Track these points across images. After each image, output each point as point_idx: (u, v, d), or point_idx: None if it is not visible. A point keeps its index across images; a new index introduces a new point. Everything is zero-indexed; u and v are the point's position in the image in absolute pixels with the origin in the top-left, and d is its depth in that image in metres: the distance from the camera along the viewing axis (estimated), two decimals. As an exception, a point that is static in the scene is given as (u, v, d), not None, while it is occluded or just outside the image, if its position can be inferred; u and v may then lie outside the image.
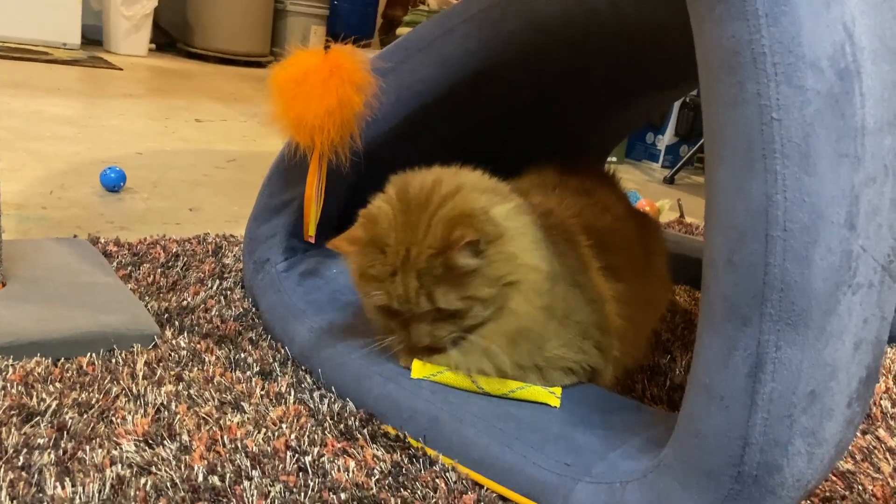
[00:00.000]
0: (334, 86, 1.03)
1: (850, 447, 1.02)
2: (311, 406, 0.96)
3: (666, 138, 3.36)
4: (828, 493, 0.91)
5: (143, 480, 0.77)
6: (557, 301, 0.94)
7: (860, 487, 0.94)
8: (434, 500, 0.81)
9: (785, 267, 0.65)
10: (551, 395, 0.91)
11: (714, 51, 0.67)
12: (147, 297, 1.19)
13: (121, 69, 3.74)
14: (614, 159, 3.27)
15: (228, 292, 1.26)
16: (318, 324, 1.08)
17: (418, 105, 1.15)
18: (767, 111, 0.64)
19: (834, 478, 0.95)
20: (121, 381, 0.95)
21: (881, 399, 1.18)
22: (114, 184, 1.81)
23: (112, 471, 0.77)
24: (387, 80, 1.11)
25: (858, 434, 1.07)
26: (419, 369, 0.95)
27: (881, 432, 1.08)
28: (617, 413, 0.93)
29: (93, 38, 4.34)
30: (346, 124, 1.05)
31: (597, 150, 1.70)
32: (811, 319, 0.66)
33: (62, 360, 0.98)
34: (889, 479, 0.96)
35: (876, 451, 1.03)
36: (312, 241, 1.13)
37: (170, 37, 4.76)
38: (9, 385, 0.90)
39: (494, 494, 0.83)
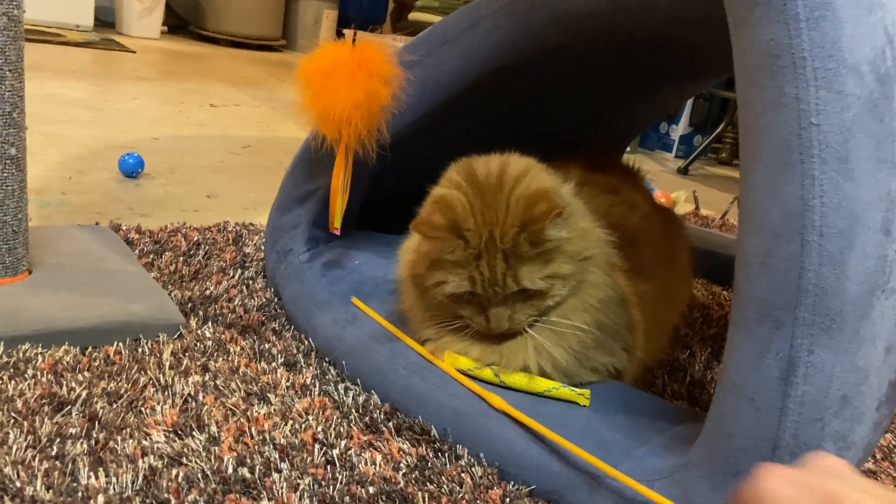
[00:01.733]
0: (362, 78, 1.03)
1: (870, 446, 1.02)
2: (336, 398, 0.97)
3: (680, 128, 3.35)
4: (849, 492, 0.91)
5: (174, 471, 0.77)
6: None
7: (882, 487, 0.94)
8: (461, 494, 0.82)
9: (820, 271, 0.65)
10: (580, 396, 0.92)
11: (752, 53, 0.67)
12: (170, 286, 1.20)
13: (133, 52, 3.74)
14: (628, 149, 3.26)
15: (250, 282, 1.27)
16: (341, 315, 1.08)
17: (443, 97, 1.15)
18: (806, 116, 0.64)
19: (855, 477, 0.95)
20: (148, 371, 0.95)
21: (901, 397, 1.18)
22: (132, 169, 1.81)
23: (144, 462, 0.78)
24: (413, 72, 1.11)
25: (879, 433, 1.07)
26: (449, 359, 0.96)
27: (901, 431, 1.08)
28: (641, 410, 0.93)
29: (105, 20, 4.34)
30: (373, 117, 1.05)
31: (618, 140, 1.69)
32: (845, 324, 0.66)
33: (90, 348, 0.98)
34: (910, 479, 0.97)
35: (896, 451, 1.03)
36: (338, 232, 1.14)
37: (182, 20, 4.76)
38: (39, 374, 0.91)
39: (521, 490, 0.84)
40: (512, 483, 0.85)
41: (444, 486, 0.83)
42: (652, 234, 1.15)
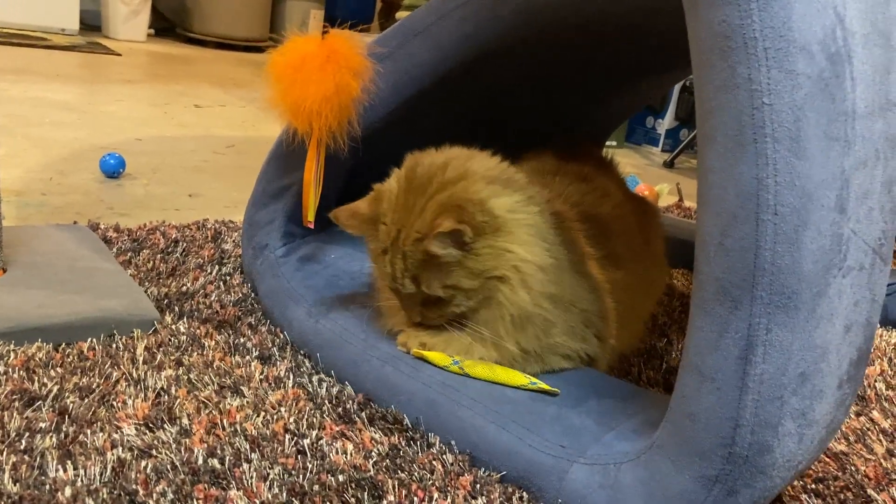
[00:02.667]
0: (332, 71, 1.03)
1: (844, 429, 1.03)
2: (310, 390, 0.97)
3: (666, 122, 3.36)
4: (821, 474, 0.92)
5: (143, 463, 0.78)
6: (564, 289, 0.94)
7: (853, 468, 0.95)
8: (431, 481, 0.82)
9: (776, 250, 0.66)
10: (552, 389, 0.92)
11: (705, 35, 0.68)
12: (147, 283, 1.20)
13: (119, 55, 3.74)
14: (614, 143, 3.27)
15: (228, 278, 1.27)
16: (316, 308, 1.09)
17: (415, 90, 1.15)
18: (758, 95, 0.64)
19: (827, 459, 0.96)
20: (121, 366, 0.96)
21: (875, 381, 1.18)
22: (113, 170, 1.81)
23: (113, 454, 0.78)
24: (384, 65, 1.11)
25: (852, 416, 1.08)
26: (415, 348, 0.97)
27: (875, 414, 1.09)
28: (612, 396, 0.94)
29: (91, 23, 4.34)
30: (343, 110, 1.05)
31: (596, 132, 1.70)
32: (801, 302, 0.66)
33: (63, 345, 0.99)
34: (882, 460, 0.97)
35: (869, 433, 1.04)
36: (312, 226, 1.14)
37: (169, 22, 4.75)
38: (10, 370, 0.91)
39: (492, 475, 0.84)
40: (483, 469, 0.85)
41: (416, 474, 0.83)
42: (625, 223, 1.15)
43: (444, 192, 0.92)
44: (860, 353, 0.73)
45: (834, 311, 0.68)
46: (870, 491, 0.90)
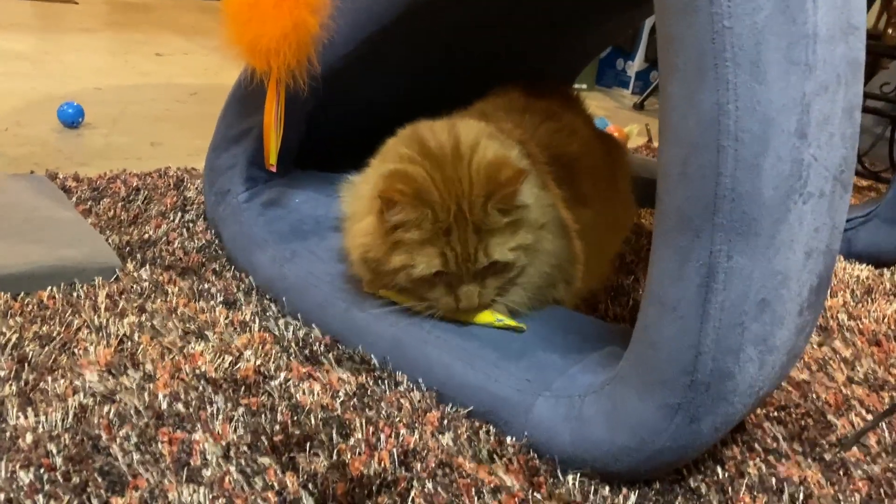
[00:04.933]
0: (288, 8, 1.00)
1: (806, 359, 1.05)
2: (276, 333, 0.96)
3: (636, 64, 3.33)
4: (783, 402, 0.94)
5: (106, 408, 0.77)
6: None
7: (814, 396, 0.96)
8: (398, 418, 0.82)
9: (736, 176, 0.65)
10: (518, 326, 0.92)
11: (666, -42, 0.66)
12: (108, 232, 1.18)
13: (76, 3, 3.62)
14: (584, 86, 3.24)
15: (191, 224, 1.25)
16: (280, 253, 1.07)
17: (376, 28, 1.12)
18: (719, 19, 0.63)
19: (790, 388, 0.97)
20: (82, 314, 0.94)
21: (838, 312, 1.20)
22: (72, 119, 1.77)
23: (74, 400, 0.77)
24: (342, 2, 1.08)
25: (815, 346, 1.09)
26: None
27: (837, 344, 1.10)
28: (578, 331, 0.94)
29: (46, -29, 4.18)
30: (302, 47, 1.02)
31: (564, 72, 1.68)
32: (761, 228, 0.66)
33: (21, 294, 0.97)
34: (842, 388, 0.99)
35: (831, 362, 1.05)
36: (274, 169, 1.12)
37: (126, -32, 4.59)
38: (-33, 320, 0.89)
39: (459, 411, 0.84)
40: (450, 406, 0.85)
41: (383, 412, 0.83)
42: (592, 161, 1.14)
43: (479, 154, 0.89)
44: (820, 280, 0.74)
45: (794, 238, 0.68)
46: (829, 416, 0.92)
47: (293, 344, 0.94)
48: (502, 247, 0.87)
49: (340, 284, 1.00)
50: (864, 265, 1.43)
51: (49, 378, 0.81)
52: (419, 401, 0.86)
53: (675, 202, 0.69)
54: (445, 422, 0.83)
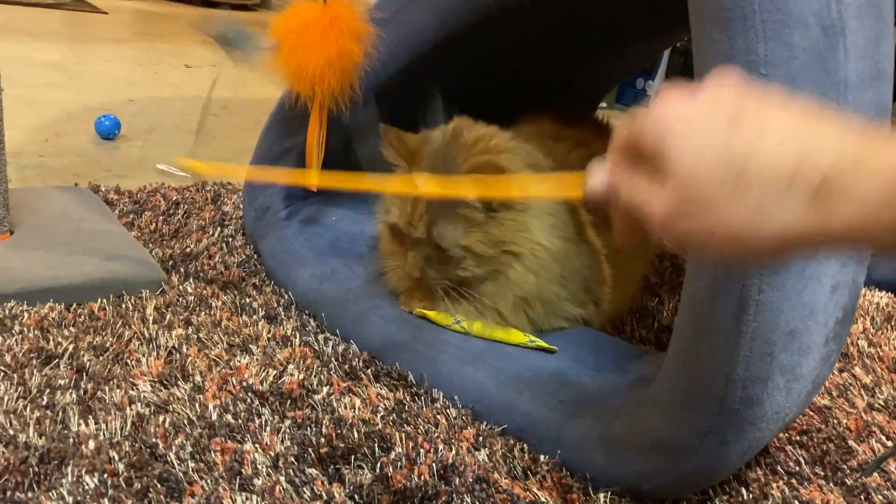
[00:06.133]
0: (334, 36, 1.05)
1: (827, 384, 1.08)
2: (317, 348, 1.00)
3: (656, 83, 3.37)
4: (805, 427, 0.97)
5: (161, 418, 0.81)
6: (570, 264, 0.99)
7: (835, 421, 0.99)
8: (436, 434, 0.86)
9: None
10: (550, 346, 0.96)
11: (705, 7, 0.70)
12: (151, 245, 1.22)
13: (105, 13, 3.69)
14: (604, 105, 3.28)
15: (230, 239, 1.29)
16: (319, 269, 1.11)
17: (416, 55, 1.16)
18: (756, 66, 0.67)
19: (811, 412, 1.01)
20: (132, 326, 0.98)
21: (858, 339, 1.23)
22: (109, 131, 1.82)
23: (132, 409, 0.81)
24: (385, 29, 1.13)
25: (836, 372, 1.12)
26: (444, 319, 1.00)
27: (857, 370, 1.13)
28: (608, 353, 0.98)
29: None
30: (345, 74, 1.07)
31: (590, 95, 1.72)
32: (791, 264, 0.70)
33: (74, 305, 1.01)
34: (862, 414, 1.02)
35: (851, 388, 1.08)
36: (315, 189, 1.16)
37: (154, -22, 4.67)
38: (25, 329, 0.93)
39: (493, 429, 0.88)
40: (484, 423, 0.89)
41: (421, 427, 0.87)
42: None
43: (489, 154, 0.95)
44: (845, 312, 0.77)
45: (822, 272, 0.72)
46: (850, 442, 0.95)
47: (333, 359, 0.98)
48: (444, 233, 0.93)
49: (378, 302, 1.04)
50: (884, 292, 1.46)
51: (106, 387, 0.85)
52: (455, 418, 0.89)
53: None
54: (481, 439, 0.86)
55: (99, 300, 1.03)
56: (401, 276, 1.03)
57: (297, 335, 1.03)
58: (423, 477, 0.78)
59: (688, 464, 0.76)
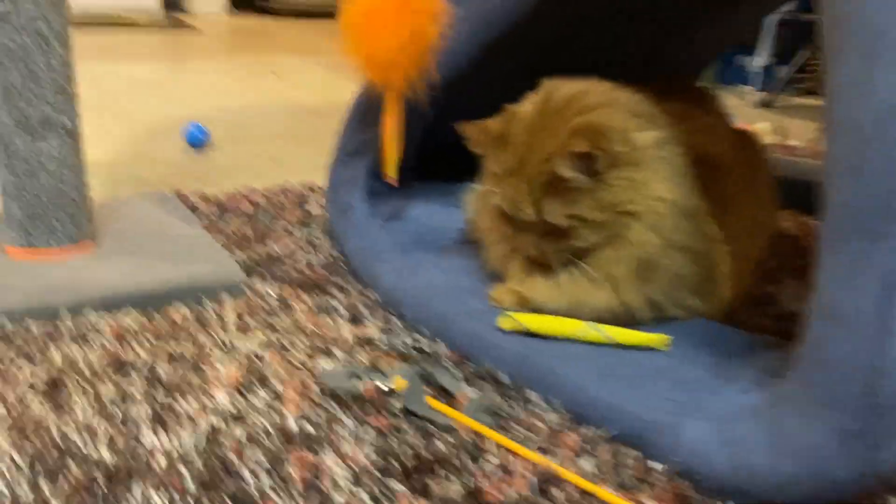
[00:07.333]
0: (407, 17, 0.98)
1: None
2: (403, 350, 0.93)
3: (761, 60, 3.16)
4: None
5: (237, 430, 0.76)
6: (696, 240, 0.89)
7: None
8: (535, 442, 0.77)
9: (922, 172, 0.57)
10: (659, 342, 0.85)
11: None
12: (234, 248, 1.19)
13: (200, 30, 3.78)
14: (705, 83, 3.10)
15: (315, 240, 1.25)
16: (402, 265, 1.05)
17: (495, 33, 1.08)
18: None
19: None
20: (211, 332, 0.94)
21: None
22: (198, 140, 1.82)
23: (206, 421, 0.76)
24: (461, 7, 1.05)
25: None
26: (507, 322, 0.90)
27: None
28: (726, 345, 0.87)
29: (171, 1, 4.40)
30: (421, 57, 1.00)
31: (693, 65, 1.59)
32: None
33: (153, 312, 0.98)
34: None
35: None
36: (394, 181, 1.10)
37: (246, -6, 4.78)
38: (104, 340, 0.90)
39: (599, 434, 0.79)
40: (587, 428, 0.80)
41: (518, 433, 0.79)
42: (731, 160, 1.06)
43: (584, 116, 0.87)
44: None
45: None
46: None
47: (419, 362, 0.91)
48: (553, 209, 0.85)
49: (464, 297, 0.96)
50: None
51: (180, 398, 0.80)
52: (555, 422, 0.80)
53: (846, 201, 0.61)
54: (587, 446, 0.77)
55: (179, 306, 1.00)
56: (505, 257, 0.96)
57: (382, 336, 0.96)
58: (519, 491, 0.70)
59: (830, 472, 0.64)
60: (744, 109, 2.82)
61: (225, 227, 1.27)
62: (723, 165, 1.03)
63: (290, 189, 1.47)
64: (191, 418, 0.77)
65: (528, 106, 0.90)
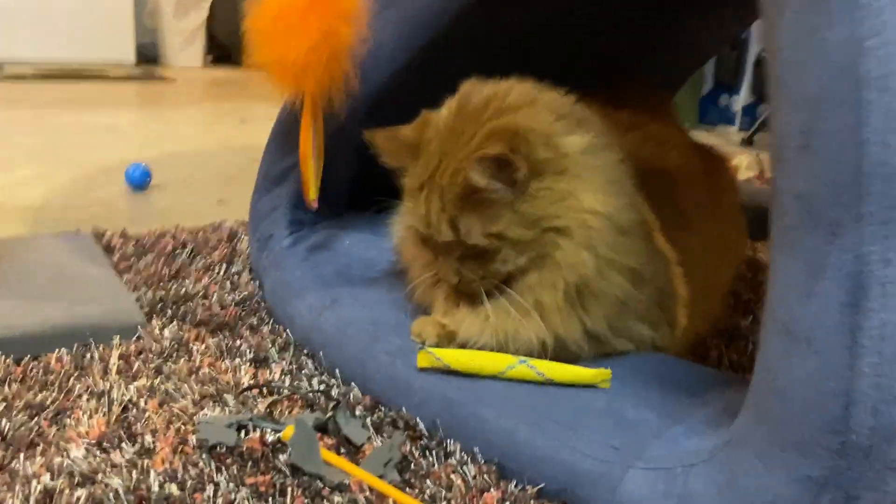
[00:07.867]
0: (317, 16, 0.87)
1: None
2: (310, 396, 0.80)
3: (742, 99, 3.10)
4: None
5: (78, 493, 0.62)
6: (640, 261, 0.76)
7: None
8: (448, 499, 0.64)
9: (888, 142, 0.45)
10: (600, 379, 0.72)
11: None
12: (144, 287, 1.06)
13: (173, 81, 3.72)
14: (687, 125, 3.02)
15: (236, 277, 1.12)
16: (320, 301, 0.92)
17: (426, 40, 0.98)
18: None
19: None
20: (88, 378, 0.81)
21: None
22: (139, 182, 1.71)
23: (41, 482, 0.63)
24: (386, 12, 0.95)
25: None
26: (425, 358, 0.77)
27: None
28: (680, 382, 0.74)
29: (149, 55, 4.36)
30: (335, 61, 0.89)
31: (670, 73, 1.48)
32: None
33: (28, 358, 0.85)
34: None
35: None
36: (315, 206, 0.98)
37: (226, 49, 4.74)
38: (-42, 389, 0.77)
39: (527, 490, 0.65)
40: (515, 482, 0.66)
41: (428, 491, 0.65)
42: (690, 175, 0.94)
43: (502, 118, 0.74)
44: None
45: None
46: None
47: (325, 408, 0.77)
48: (471, 227, 0.73)
49: (384, 333, 0.83)
50: None
51: (22, 455, 0.67)
52: (475, 476, 0.67)
53: (794, 188, 0.49)
54: (508, 503, 0.64)
55: (59, 351, 0.87)
56: (430, 286, 0.83)
57: (287, 380, 0.83)
58: (418, 562, 0.56)
59: (799, 532, 0.51)
60: (727, 148, 2.73)
61: (140, 265, 1.14)
62: (680, 179, 0.91)
63: (223, 227, 1.35)
64: (26, 478, 0.64)
65: (442, 111, 0.79)
